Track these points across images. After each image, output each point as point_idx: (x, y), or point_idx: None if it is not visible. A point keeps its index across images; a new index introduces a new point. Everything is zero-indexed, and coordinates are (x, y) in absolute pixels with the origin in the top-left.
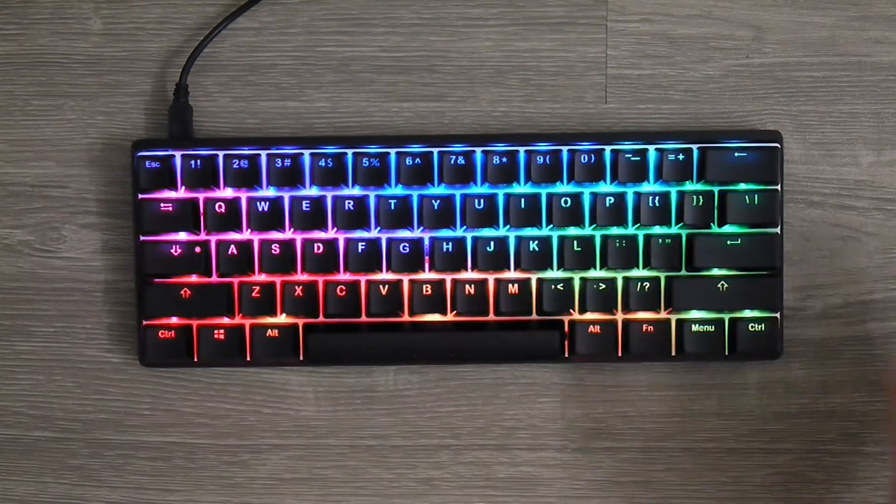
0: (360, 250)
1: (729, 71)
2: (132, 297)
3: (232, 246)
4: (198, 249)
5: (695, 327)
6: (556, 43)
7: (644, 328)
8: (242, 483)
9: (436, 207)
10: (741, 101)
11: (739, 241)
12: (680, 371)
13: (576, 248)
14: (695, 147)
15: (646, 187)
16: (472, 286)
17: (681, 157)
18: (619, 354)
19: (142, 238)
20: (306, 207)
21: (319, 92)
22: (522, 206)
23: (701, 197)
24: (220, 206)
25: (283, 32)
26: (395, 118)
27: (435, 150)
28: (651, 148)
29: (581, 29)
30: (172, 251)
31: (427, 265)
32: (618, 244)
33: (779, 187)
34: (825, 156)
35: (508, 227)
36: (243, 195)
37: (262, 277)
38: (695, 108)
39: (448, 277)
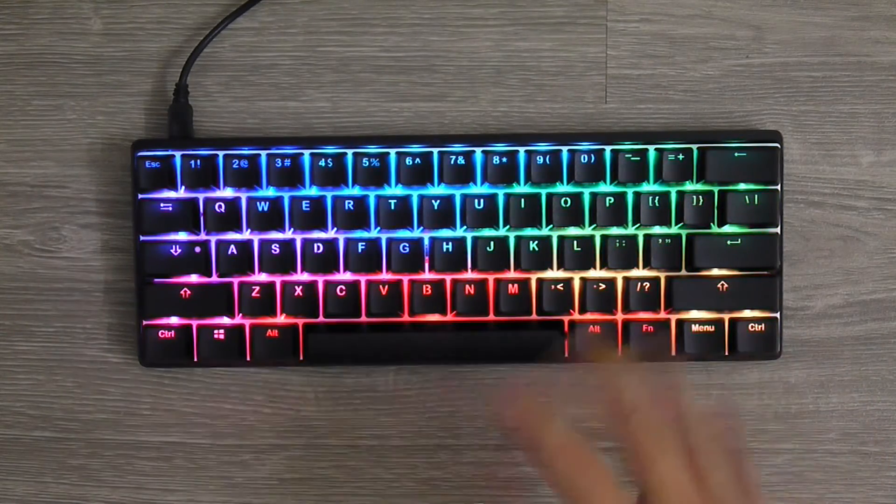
0: (360, 250)
1: (729, 71)
2: (132, 297)
3: (232, 246)
4: (198, 249)
5: (695, 327)
6: (556, 43)
7: (644, 328)
8: (242, 483)
9: (436, 207)
10: (741, 101)
11: (739, 241)
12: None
13: (576, 248)
14: (695, 147)
15: (646, 187)
16: (472, 286)
17: (681, 157)
18: (619, 354)
19: (142, 238)
20: (306, 207)
21: (319, 92)
22: (522, 206)
23: (701, 197)
24: (220, 206)
25: (283, 32)
26: (395, 118)
27: (435, 150)
28: (651, 148)
29: (581, 29)
30: (172, 251)
31: (427, 265)
32: (618, 244)
33: (779, 187)
34: (825, 156)
35: (508, 227)
36: (243, 195)
37: (262, 277)
38: (695, 108)
39: (448, 277)
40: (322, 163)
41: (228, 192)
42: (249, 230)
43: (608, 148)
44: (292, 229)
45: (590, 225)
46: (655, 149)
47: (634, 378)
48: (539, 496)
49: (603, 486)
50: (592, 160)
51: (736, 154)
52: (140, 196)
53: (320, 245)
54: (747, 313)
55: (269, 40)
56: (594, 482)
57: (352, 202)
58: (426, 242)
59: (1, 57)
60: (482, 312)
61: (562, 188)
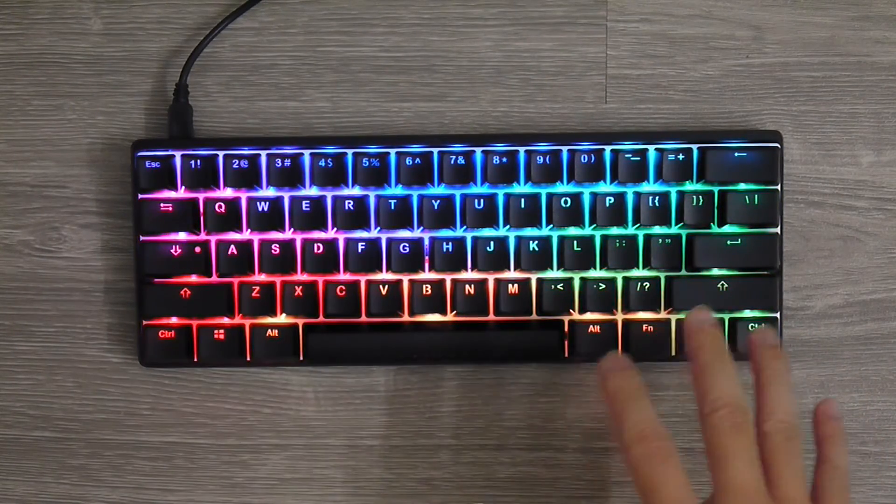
0: (360, 250)
1: (729, 71)
2: (132, 297)
3: (232, 246)
4: (198, 249)
5: None
6: (556, 43)
7: (644, 328)
8: (242, 483)
9: (436, 207)
10: (741, 101)
11: (739, 241)
12: (680, 371)
13: (576, 248)
14: (695, 147)
15: (646, 187)
16: (472, 286)
17: (681, 157)
18: (619, 354)
19: (142, 238)
20: (306, 207)
21: (319, 92)
22: (522, 206)
23: (701, 197)
24: (220, 206)
25: (283, 32)
26: (395, 118)
27: (435, 150)
28: (651, 148)
29: (581, 29)
30: (172, 251)
31: (427, 265)
32: (618, 244)
33: (779, 187)
34: (825, 156)
35: (508, 227)
36: (243, 195)
37: (262, 277)
38: (695, 108)
39: (448, 277)
40: (322, 163)
41: (228, 192)
42: (249, 230)
43: (608, 148)
44: (292, 229)
45: (590, 225)
46: (655, 149)
47: (728, 374)
48: (538, 496)
49: (673, 481)
50: (592, 160)
51: (736, 154)
52: (140, 196)
53: (320, 245)
54: (747, 313)
55: (269, 40)
56: (665, 476)
57: (352, 202)
58: (426, 242)
59: (1, 57)
60: (482, 312)
61: (562, 188)
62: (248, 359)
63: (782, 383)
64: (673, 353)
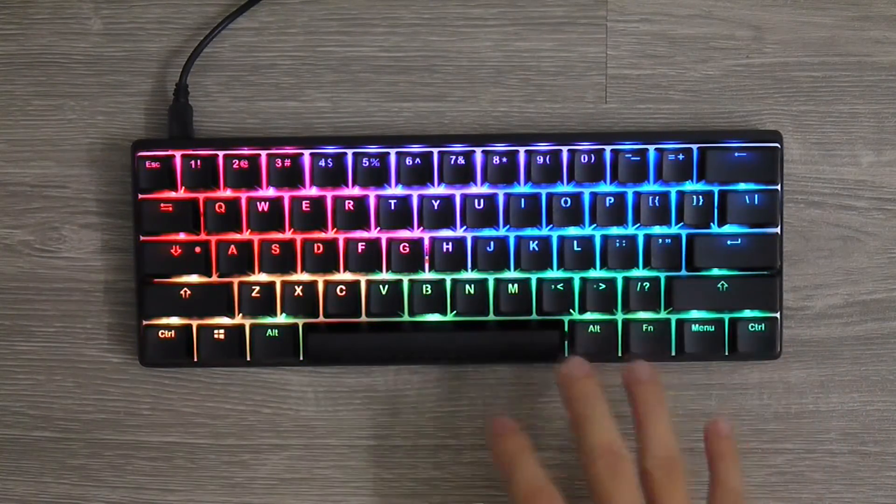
0: (360, 250)
1: (729, 71)
2: (132, 297)
3: (232, 246)
4: (198, 249)
5: (695, 327)
6: (556, 43)
7: (644, 328)
8: (242, 483)
9: (436, 207)
10: (741, 101)
11: (739, 241)
12: (680, 371)
13: (576, 248)
14: (695, 147)
15: (646, 187)
16: (472, 286)
17: (681, 157)
18: (619, 354)
19: (142, 238)
20: (306, 207)
21: (319, 92)
22: (522, 206)
23: (701, 197)
24: (220, 206)
25: (283, 32)
26: (395, 118)
27: (435, 150)
28: (651, 148)
29: (581, 29)
30: (172, 251)
31: (427, 265)
32: (618, 244)
33: (779, 187)
34: (825, 156)
35: (508, 227)
36: (243, 195)
37: (262, 277)
38: (695, 108)
39: (448, 277)
40: (322, 163)
41: (228, 192)
42: (249, 230)
43: (608, 148)
44: (292, 229)
45: (590, 225)
46: (655, 149)
47: (603, 422)
48: None
49: (626, 497)
50: (592, 160)
51: (736, 154)
52: (140, 196)
53: (320, 245)
54: (747, 313)
55: (269, 40)
56: (619, 491)
57: (352, 202)
58: (426, 242)
59: (1, 57)
60: (482, 312)
61: (562, 188)
62: (248, 359)
63: (657, 417)
64: (673, 353)
